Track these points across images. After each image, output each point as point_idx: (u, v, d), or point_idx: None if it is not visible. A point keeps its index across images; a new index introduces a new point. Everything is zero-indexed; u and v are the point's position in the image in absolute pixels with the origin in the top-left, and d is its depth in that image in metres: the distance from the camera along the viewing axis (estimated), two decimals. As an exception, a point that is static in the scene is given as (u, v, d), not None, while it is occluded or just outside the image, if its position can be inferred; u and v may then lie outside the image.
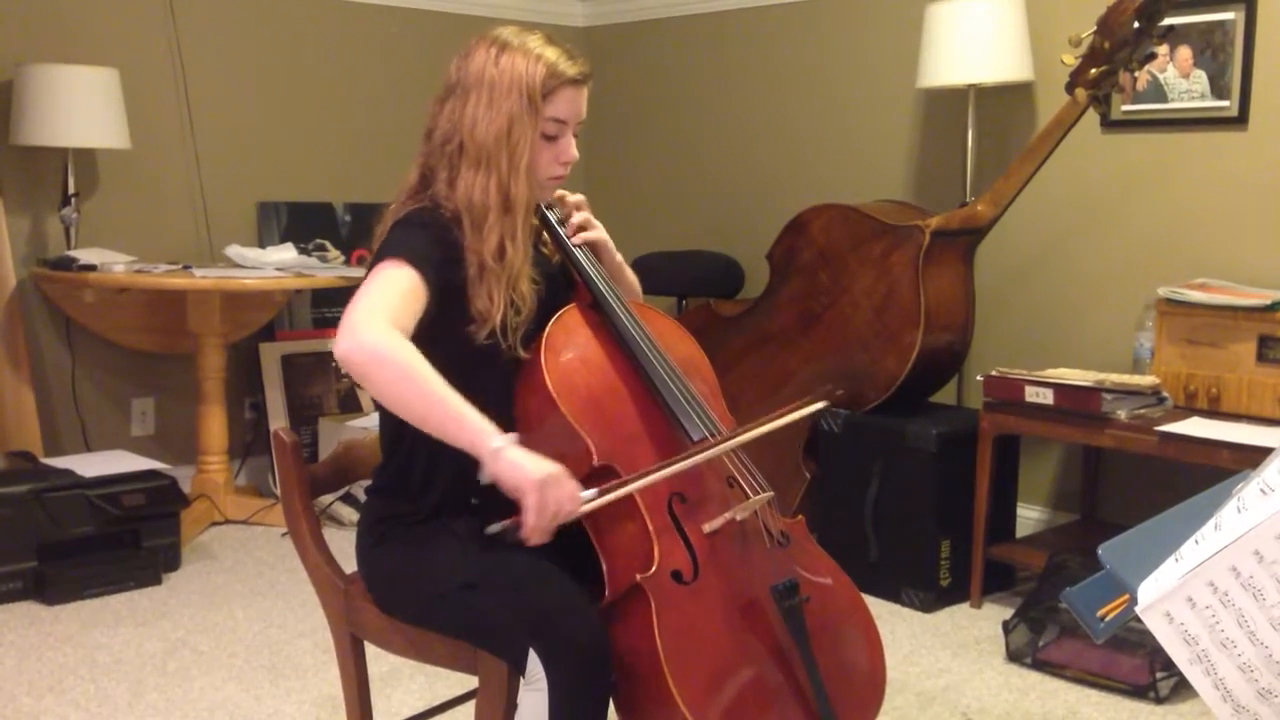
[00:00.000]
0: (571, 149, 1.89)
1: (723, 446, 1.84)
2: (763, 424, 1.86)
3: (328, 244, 4.50)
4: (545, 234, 2.00)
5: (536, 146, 1.84)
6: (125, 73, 3.99)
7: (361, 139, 4.63)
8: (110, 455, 3.82)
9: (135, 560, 3.51)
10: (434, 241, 1.79)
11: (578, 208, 2.01)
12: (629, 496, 1.78)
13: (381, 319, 1.68)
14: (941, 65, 3.74)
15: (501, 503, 1.90)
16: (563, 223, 2.00)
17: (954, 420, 3.53)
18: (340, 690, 2.08)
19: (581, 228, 2.00)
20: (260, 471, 4.51)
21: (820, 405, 1.96)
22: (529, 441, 1.85)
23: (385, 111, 4.62)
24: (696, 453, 1.81)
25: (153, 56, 4.23)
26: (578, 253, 1.98)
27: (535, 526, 1.64)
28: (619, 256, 2.07)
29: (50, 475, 3.52)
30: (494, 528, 1.70)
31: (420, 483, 1.88)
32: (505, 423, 1.85)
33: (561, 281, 2.02)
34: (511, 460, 1.65)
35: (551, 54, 1.84)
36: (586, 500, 1.70)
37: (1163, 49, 3.36)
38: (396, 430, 1.89)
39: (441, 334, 1.77)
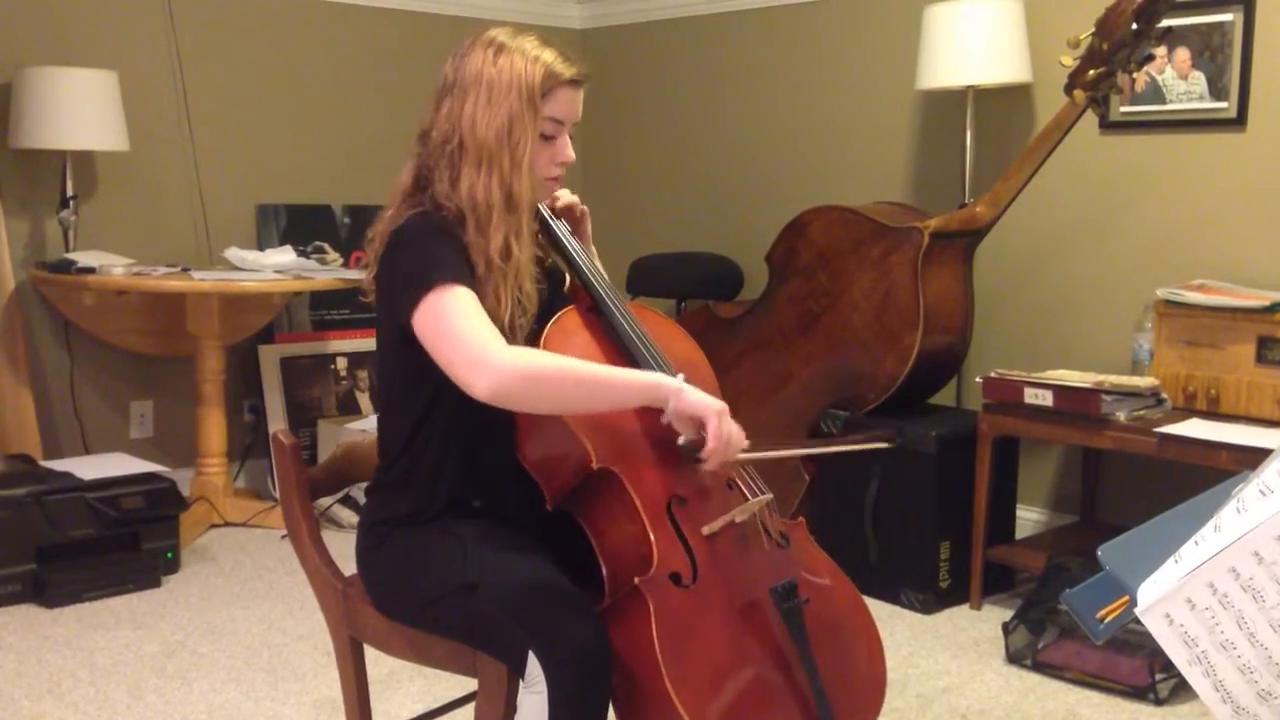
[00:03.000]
0: (568, 150, 1.89)
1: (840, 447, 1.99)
2: (836, 445, 2.01)
3: (327, 246, 4.50)
4: (542, 236, 2.00)
5: (536, 146, 1.85)
6: (124, 75, 3.99)
7: (360, 141, 4.63)
8: (109, 458, 3.82)
9: (134, 563, 3.51)
10: (457, 250, 1.80)
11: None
12: (633, 500, 1.79)
13: (495, 340, 1.72)
14: (940, 67, 3.74)
15: (504, 507, 1.91)
16: (558, 216, 2.00)
17: (953, 422, 3.52)
18: (340, 693, 2.08)
19: (569, 204, 2.03)
20: (259, 474, 4.51)
21: (885, 445, 2.06)
22: (530, 444, 1.85)
23: (384, 114, 4.62)
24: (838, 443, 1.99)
25: (151, 59, 4.24)
26: (576, 255, 1.98)
27: (715, 449, 1.75)
28: (591, 246, 2.08)
29: (49, 478, 3.52)
30: (682, 440, 1.79)
31: (426, 484, 1.88)
32: (512, 422, 1.85)
33: (559, 280, 2.02)
34: (695, 393, 1.77)
35: (549, 55, 1.84)
36: (746, 448, 1.82)
37: (1161, 50, 3.37)
38: (400, 433, 1.89)
39: None
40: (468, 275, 1.77)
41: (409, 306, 1.75)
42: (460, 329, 1.72)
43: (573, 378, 1.73)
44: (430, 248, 1.79)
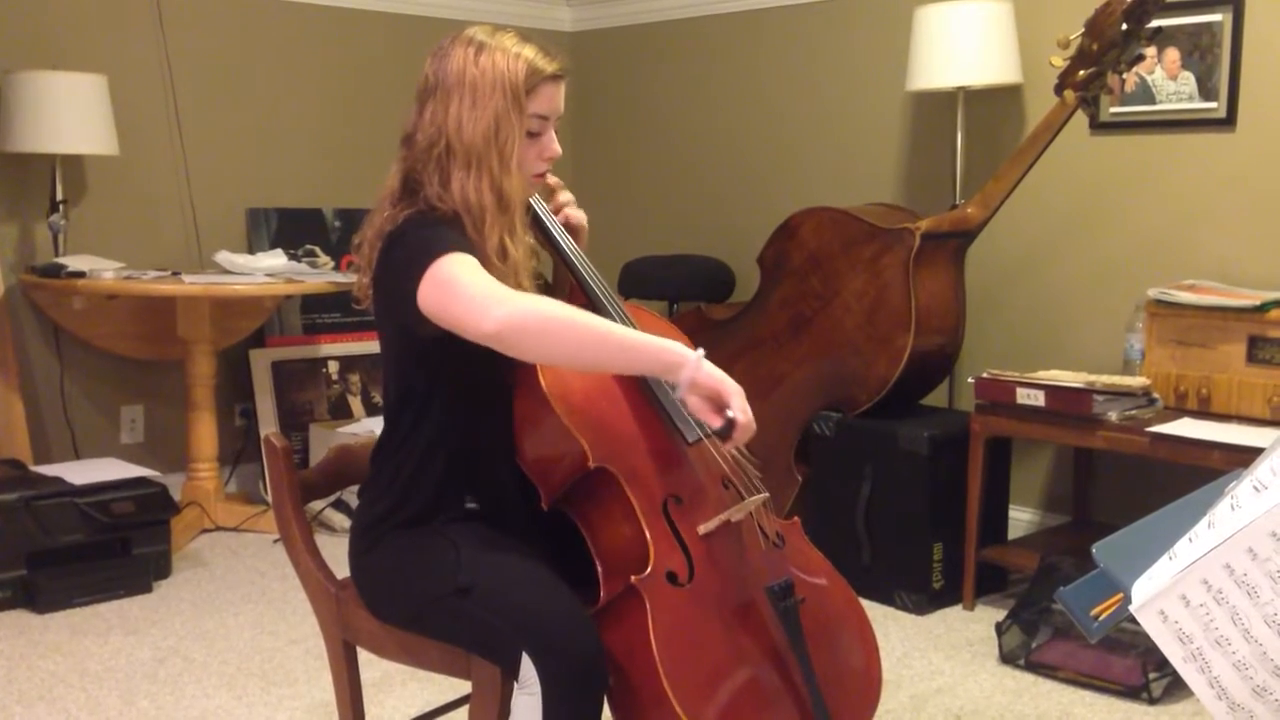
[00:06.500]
0: (554, 145, 1.89)
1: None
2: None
3: (317, 250, 4.49)
4: (536, 234, 2.00)
5: (523, 144, 1.84)
6: (113, 79, 3.98)
7: (351, 145, 4.62)
8: (100, 463, 3.81)
9: (125, 568, 3.50)
10: (460, 234, 1.79)
11: (559, 188, 2.02)
12: (629, 499, 1.79)
13: (500, 288, 1.68)
14: (930, 68, 3.75)
15: (499, 508, 1.90)
16: (549, 212, 2.00)
17: (945, 422, 3.53)
18: (333, 697, 2.08)
19: (566, 205, 2.01)
20: (251, 478, 4.50)
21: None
22: (527, 443, 1.85)
23: (374, 117, 4.61)
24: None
25: (141, 63, 4.23)
26: (571, 253, 1.98)
27: (744, 425, 1.71)
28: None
29: (40, 483, 3.50)
30: (712, 427, 1.74)
31: (418, 484, 1.87)
32: (508, 421, 1.84)
33: (556, 278, 2.02)
34: (714, 367, 1.73)
35: (529, 51, 1.84)
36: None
37: (1151, 51, 3.38)
38: (396, 431, 1.88)
39: (454, 333, 1.75)
40: (472, 251, 1.75)
41: (414, 285, 1.71)
42: (465, 280, 1.69)
43: (585, 325, 1.67)
44: (430, 233, 1.78)
